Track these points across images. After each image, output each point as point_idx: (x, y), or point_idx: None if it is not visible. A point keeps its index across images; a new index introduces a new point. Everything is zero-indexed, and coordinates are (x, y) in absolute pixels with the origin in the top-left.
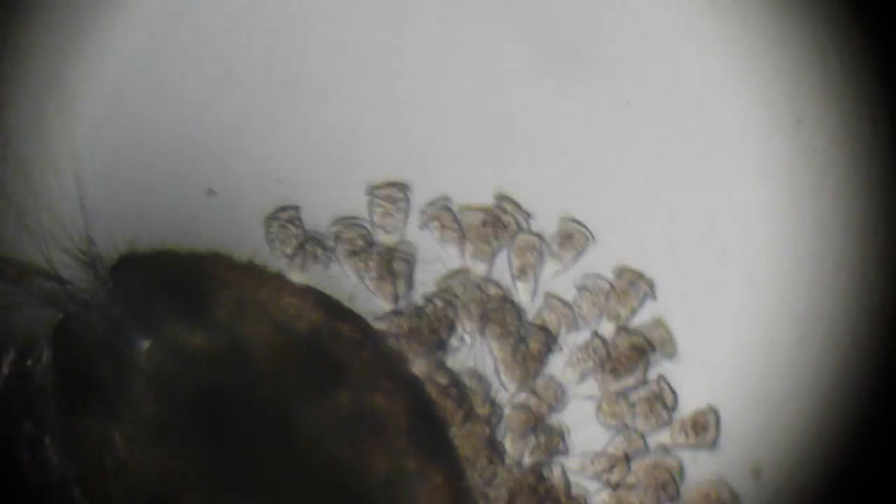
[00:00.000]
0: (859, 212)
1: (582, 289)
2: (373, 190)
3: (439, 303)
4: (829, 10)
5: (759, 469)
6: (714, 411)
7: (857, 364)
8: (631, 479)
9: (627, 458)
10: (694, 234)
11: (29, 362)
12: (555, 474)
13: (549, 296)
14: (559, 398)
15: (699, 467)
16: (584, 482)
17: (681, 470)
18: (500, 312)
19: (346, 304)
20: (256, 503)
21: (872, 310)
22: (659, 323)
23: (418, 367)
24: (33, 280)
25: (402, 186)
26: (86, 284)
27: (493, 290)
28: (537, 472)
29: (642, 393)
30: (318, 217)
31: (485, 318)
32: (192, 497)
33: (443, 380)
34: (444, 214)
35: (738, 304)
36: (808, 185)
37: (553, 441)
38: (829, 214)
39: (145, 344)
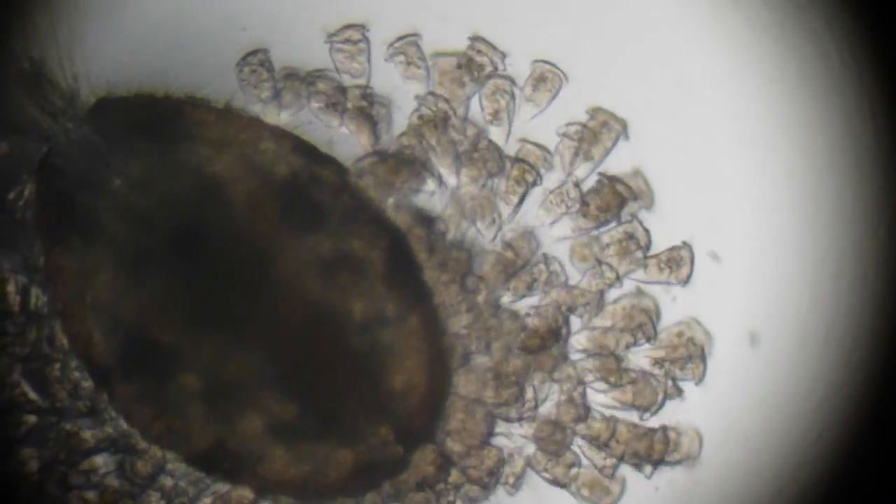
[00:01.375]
0: (859, 211)
1: (558, 133)
2: (331, 36)
3: (414, 144)
4: (828, 9)
5: (755, 335)
6: (689, 247)
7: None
8: (607, 321)
9: (601, 297)
10: (670, 77)
11: (12, 196)
12: (532, 321)
13: (523, 140)
14: (533, 246)
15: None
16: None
17: (657, 310)
18: (476, 153)
19: (325, 149)
20: (233, 341)
21: (873, 310)
22: (637, 173)
23: (396, 212)
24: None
25: (360, 27)
26: (67, 121)
27: (469, 131)
28: (516, 317)
29: (615, 234)
30: (287, 62)
31: (460, 160)
32: (170, 332)
33: (419, 225)
34: (410, 49)
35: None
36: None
37: (529, 284)
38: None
39: (123, 180)
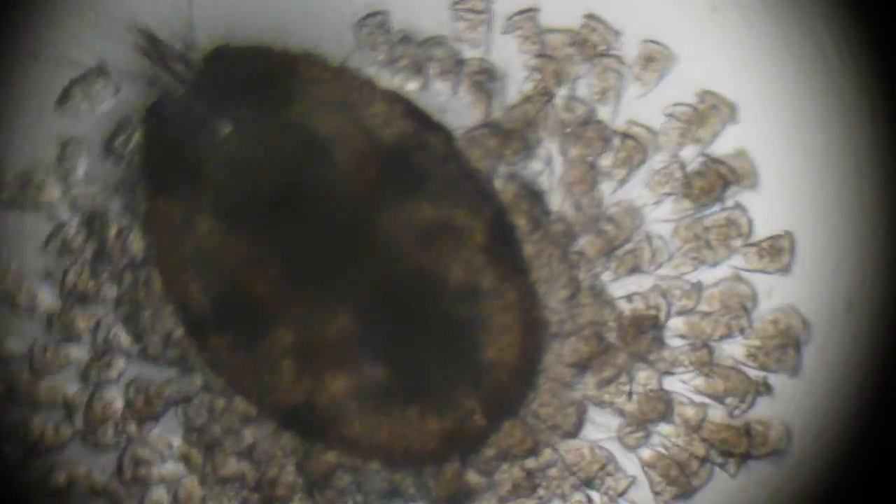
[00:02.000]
0: (859, 210)
1: (666, 114)
2: (455, 4)
3: (525, 119)
4: (829, 8)
5: (852, 303)
6: (790, 236)
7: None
8: (704, 306)
9: (700, 286)
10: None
11: (120, 140)
12: (628, 307)
13: (631, 121)
14: (636, 224)
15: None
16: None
17: (754, 297)
18: (584, 131)
19: (436, 116)
20: (327, 300)
21: (873, 311)
22: (741, 153)
23: (502, 184)
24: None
25: None
26: (180, 69)
27: (578, 109)
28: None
29: (718, 217)
30: (406, 26)
31: (568, 136)
32: (266, 287)
33: (524, 198)
34: (527, 24)
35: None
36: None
37: (631, 262)
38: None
39: (232, 131)
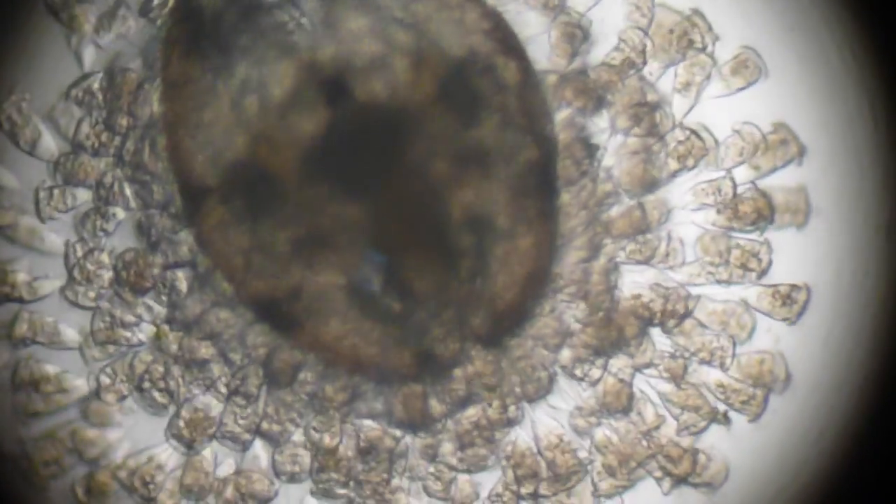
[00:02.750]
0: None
1: (733, 129)
2: None
3: (603, 80)
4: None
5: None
6: (809, 291)
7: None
8: (703, 317)
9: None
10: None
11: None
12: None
13: (701, 126)
14: (663, 217)
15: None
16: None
17: (752, 330)
18: (650, 115)
19: (521, 43)
20: (341, 195)
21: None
22: (801, 190)
23: (560, 130)
24: None
25: None
26: None
27: (650, 96)
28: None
29: (746, 244)
30: None
31: (635, 117)
32: (283, 173)
33: (577, 149)
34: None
35: None
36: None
37: (647, 253)
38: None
39: (280, 5)
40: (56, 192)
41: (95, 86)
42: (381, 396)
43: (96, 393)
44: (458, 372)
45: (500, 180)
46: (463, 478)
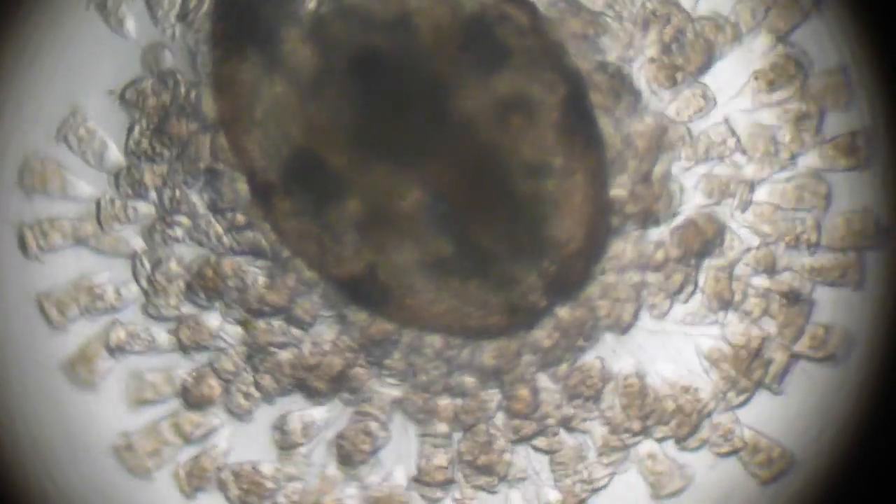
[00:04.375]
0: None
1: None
2: None
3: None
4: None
5: None
6: (866, 131)
7: None
8: (774, 198)
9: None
10: None
11: (192, 4)
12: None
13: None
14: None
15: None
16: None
17: (828, 195)
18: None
19: None
20: (398, 171)
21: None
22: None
23: (581, 61)
24: None
25: None
26: None
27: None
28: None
29: (793, 108)
30: None
31: (649, 22)
32: (337, 154)
33: (602, 74)
34: None
35: None
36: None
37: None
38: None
39: None
40: (118, 202)
41: (148, 89)
42: (474, 353)
43: (182, 394)
44: (546, 322)
45: (542, 121)
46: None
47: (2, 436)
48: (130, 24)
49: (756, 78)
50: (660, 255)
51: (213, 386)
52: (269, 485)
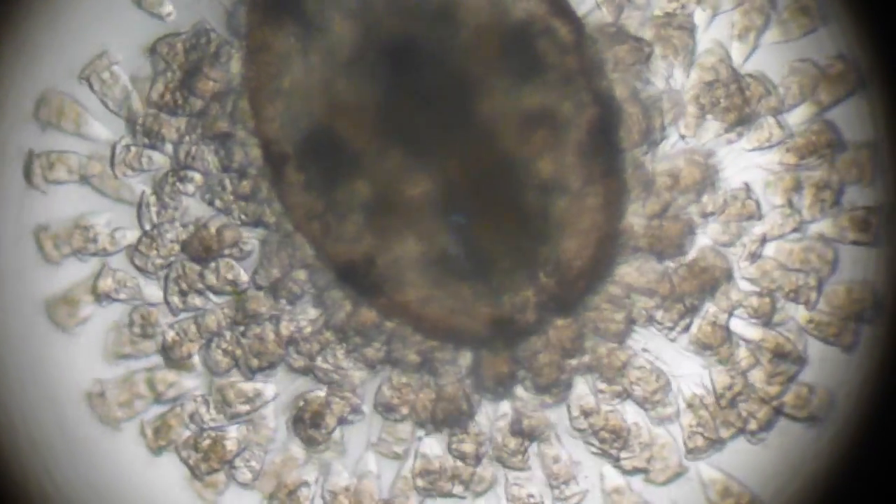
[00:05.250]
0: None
1: (794, 69)
2: None
3: (657, 38)
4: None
5: None
6: (883, 210)
7: None
8: (781, 257)
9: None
10: None
11: None
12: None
13: (759, 73)
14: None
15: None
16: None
17: (834, 261)
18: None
19: (572, 3)
20: (415, 163)
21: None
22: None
23: (617, 87)
24: None
25: None
26: None
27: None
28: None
29: (815, 175)
30: None
31: (689, 65)
32: (355, 138)
33: (636, 107)
34: None
35: None
36: None
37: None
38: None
39: None
40: (134, 149)
41: (180, 45)
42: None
43: (163, 348)
44: (535, 339)
45: (566, 140)
46: None
47: None
48: None
49: (788, 150)
50: (662, 289)
51: (192, 345)
52: (231, 447)
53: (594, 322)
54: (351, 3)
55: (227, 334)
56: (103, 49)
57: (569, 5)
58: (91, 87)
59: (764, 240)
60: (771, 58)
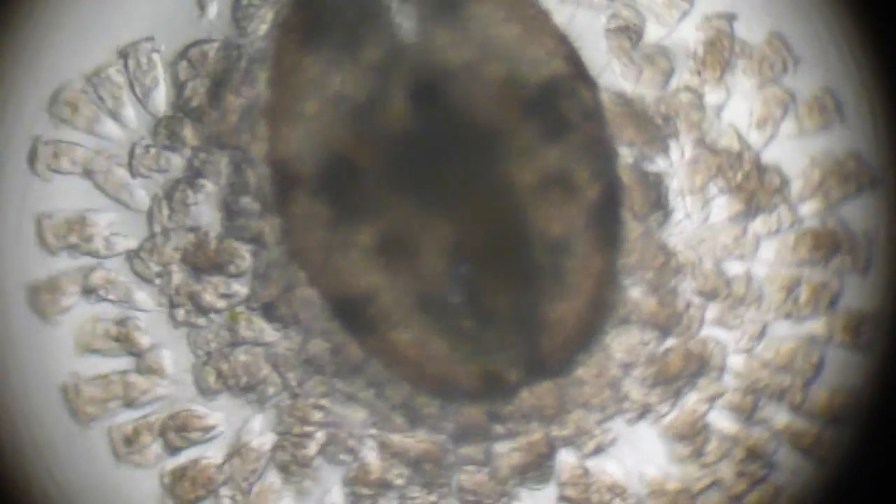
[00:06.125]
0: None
1: (811, 162)
2: None
3: (665, 109)
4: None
5: None
6: (878, 318)
7: None
8: (769, 354)
9: (770, 334)
10: None
11: None
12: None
13: (772, 166)
14: (735, 251)
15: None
16: (722, 338)
17: (819, 367)
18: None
19: (595, 71)
20: (426, 206)
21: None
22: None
23: (627, 162)
24: None
25: None
26: None
27: (728, 130)
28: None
29: (814, 278)
30: None
31: (702, 146)
32: (372, 172)
33: (640, 186)
34: (724, 29)
35: None
36: None
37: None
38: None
39: (396, 10)
40: (153, 150)
41: (212, 53)
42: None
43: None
44: (522, 396)
45: (577, 204)
46: None
47: None
48: None
49: (794, 246)
50: (650, 368)
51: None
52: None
53: (577, 391)
54: (384, 39)
55: (218, 352)
56: (151, 34)
57: (591, 70)
58: (126, 65)
59: (763, 333)
60: (785, 149)
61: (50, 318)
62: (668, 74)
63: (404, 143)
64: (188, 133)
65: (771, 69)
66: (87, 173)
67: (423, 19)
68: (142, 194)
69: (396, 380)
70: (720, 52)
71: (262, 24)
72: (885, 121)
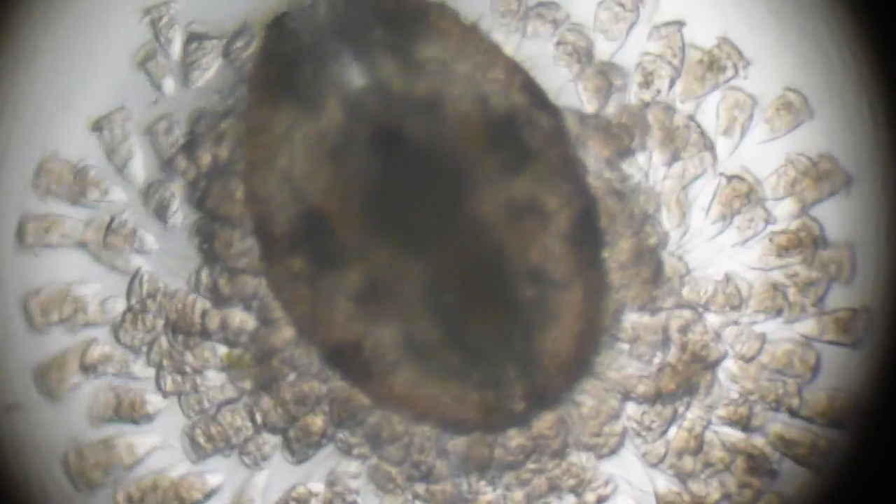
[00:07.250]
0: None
1: (787, 160)
2: None
3: (636, 124)
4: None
5: None
6: (867, 312)
7: None
8: (763, 358)
9: (763, 338)
10: None
11: (238, 45)
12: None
13: (744, 170)
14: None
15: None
16: (718, 347)
17: (816, 367)
18: (692, 153)
19: (553, 96)
20: (403, 251)
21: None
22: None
23: (597, 180)
24: None
25: None
26: None
27: (694, 136)
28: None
29: (799, 275)
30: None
31: (675, 154)
32: (346, 223)
33: (615, 200)
34: (674, 35)
35: None
36: None
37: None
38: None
39: (351, 61)
40: (130, 223)
41: (176, 125)
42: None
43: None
44: (518, 428)
45: (552, 231)
46: None
47: None
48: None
49: (771, 240)
50: (646, 386)
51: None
52: None
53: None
54: (344, 90)
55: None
56: (123, 104)
57: (548, 97)
58: (101, 138)
59: (756, 337)
60: (757, 152)
61: (60, 398)
62: (624, 88)
63: (374, 189)
64: (177, 191)
65: (723, 72)
66: (79, 245)
67: (376, 68)
68: (137, 261)
69: (397, 421)
70: (672, 61)
71: (207, 72)
72: (879, 119)
